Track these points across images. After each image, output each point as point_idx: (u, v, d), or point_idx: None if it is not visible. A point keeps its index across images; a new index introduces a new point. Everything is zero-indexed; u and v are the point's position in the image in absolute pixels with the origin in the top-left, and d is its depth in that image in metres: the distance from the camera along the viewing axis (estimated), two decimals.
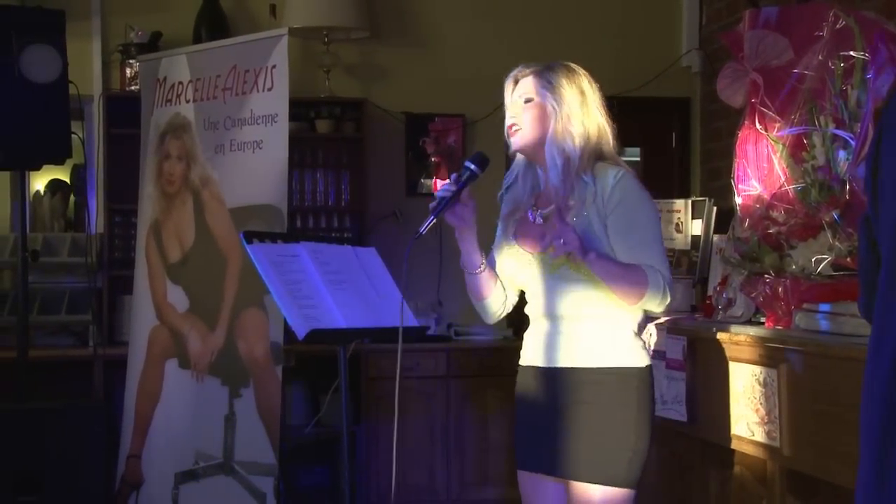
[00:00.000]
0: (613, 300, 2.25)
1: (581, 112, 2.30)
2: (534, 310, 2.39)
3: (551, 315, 2.34)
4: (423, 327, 2.79)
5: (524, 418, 2.38)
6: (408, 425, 4.52)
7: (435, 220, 2.26)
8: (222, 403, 3.85)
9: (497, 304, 2.45)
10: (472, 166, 2.29)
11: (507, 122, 2.35)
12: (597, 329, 2.28)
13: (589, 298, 2.27)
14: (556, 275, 2.30)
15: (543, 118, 2.30)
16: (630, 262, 2.22)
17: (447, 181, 2.30)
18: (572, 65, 2.37)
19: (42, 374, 4.14)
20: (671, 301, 2.25)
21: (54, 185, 4.81)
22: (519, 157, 2.41)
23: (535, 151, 2.33)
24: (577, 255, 2.17)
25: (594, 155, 2.30)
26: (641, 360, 2.30)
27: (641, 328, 2.36)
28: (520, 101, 2.34)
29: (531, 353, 2.39)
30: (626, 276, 2.20)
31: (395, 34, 4.99)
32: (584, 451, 2.25)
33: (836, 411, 2.25)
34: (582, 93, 2.32)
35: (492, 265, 2.42)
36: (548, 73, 2.32)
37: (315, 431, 4.44)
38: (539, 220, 2.34)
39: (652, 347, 2.74)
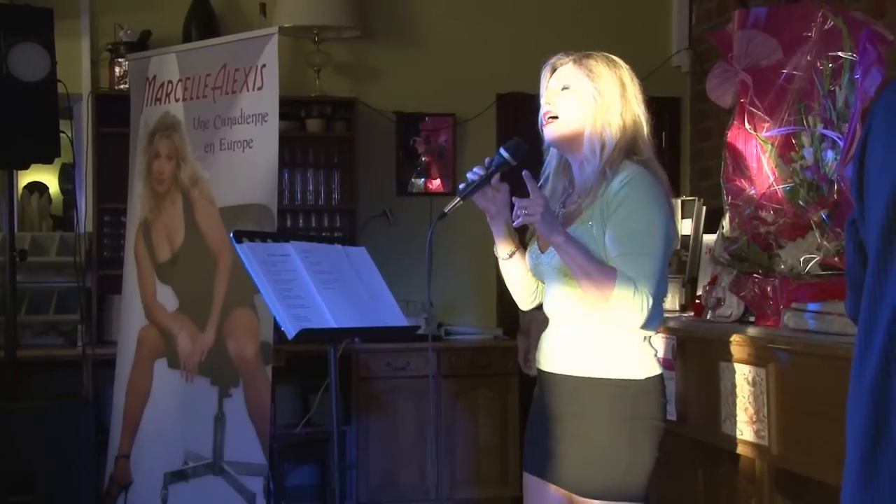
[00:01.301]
0: (585, 302, 2.14)
1: (620, 103, 2.20)
2: (544, 308, 2.33)
3: (553, 316, 2.28)
4: (414, 326, 2.79)
5: (530, 422, 2.34)
6: (398, 424, 4.52)
7: (461, 202, 2.20)
8: (212, 403, 3.84)
9: (527, 293, 2.38)
10: (506, 155, 2.21)
11: (542, 109, 2.24)
12: (598, 334, 2.17)
13: (577, 300, 2.18)
14: (553, 274, 2.23)
15: (582, 107, 2.20)
16: (617, 265, 2.09)
17: (478, 167, 2.22)
18: (613, 56, 2.27)
19: (30, 374, 4.13)
20: (650, 319, 2.10)
21: (32, 186, 4.79)
22: (552, 152, 2.31)
23: (571, 142, 2.22)
24: (540, 229, 2.09)
25: (627, 149, 2.19)
26: (643, 370, 2.17)
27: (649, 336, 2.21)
28: (557, 88, 2.23)
29: (539, 355, 2.33)
30: (593, 272, 2.07)
31: (386, 33, 4.99)
32: (579, 463, 2.18)
33: (824, 410, 2.26)
34: (622, 84, 2.21)
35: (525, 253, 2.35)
36: (588, 61, 2.23)
37: (305, 431, 4.44)
38: (560, 219, 2.22)
39: (661, 354, 2.65)
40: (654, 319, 2.17)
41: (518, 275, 2.35)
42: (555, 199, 2.29)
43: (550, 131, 2.23)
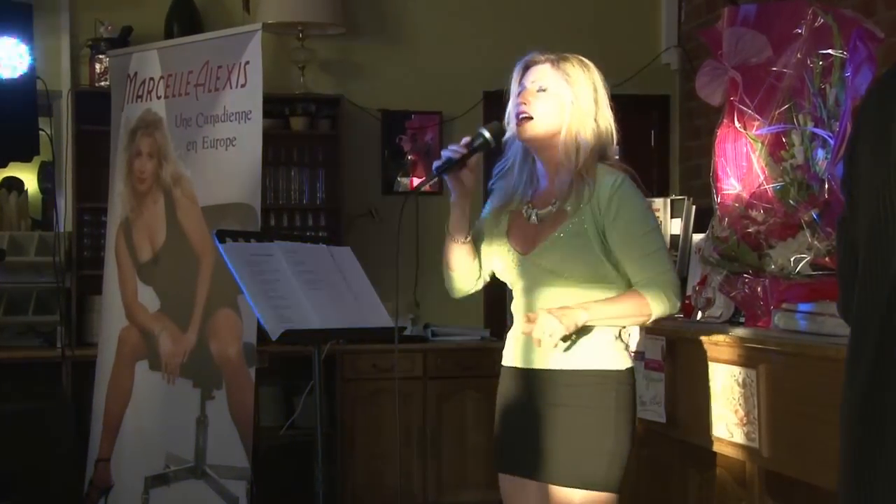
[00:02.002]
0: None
1: (594, 108, 2.27)
2: (517, 308, 2.36)
3: (524, 312, 2.31)
4: (400, 328, 2.78)
5: (504, 421, 2.36)
6: (384, 427, 4.51)
7: (435, 178, 2.25)
8: (194, 405, 3.82)
9: (468, 279, 2.40)
10: (487, 134, 2.25)
11: (516, 108, 2.28)
12: (580, 329, 2.23)
13: (569, 298, 2.23)
14: (540, 274, 2.27)
15: (559, 111, 2.25)
16: (637, 271, 2.22)
17: (455, 144, 2.25)
18: (585, 59, 2.32)
19: (9, 375, 4.09)
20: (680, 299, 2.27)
21: (10, 184, 4.74)
22: (517, 145, 2.34)
23: (545, 144, 2.28)
24: (570, 330, 2.16)
25: (598, 154, 2.27)
26: (621, 362, 2.27)
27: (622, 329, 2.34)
28: (533, 88, 2.28)
29: (511, 354, 2.37)
30: (627, 312, 2.23)
31: (371, 30, 4.98)
32: (561, 455, 2.23)
33: (814, 412, 2.26)
34: (595, 89, 2.28)
35: (475, 239, 2.38)
36: (565, 64, 2.28)
37: (289, 434, 4.42)
38: (535, 221, 2.30)
39: (633, 348, 2.74)
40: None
41: (465, 261, 2.38)
42: (517, 190, 2.35)
43: (525, 131, 2.28)
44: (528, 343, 2.29)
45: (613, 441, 2.22)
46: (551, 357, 2.25)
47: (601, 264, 2.23)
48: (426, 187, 2.26)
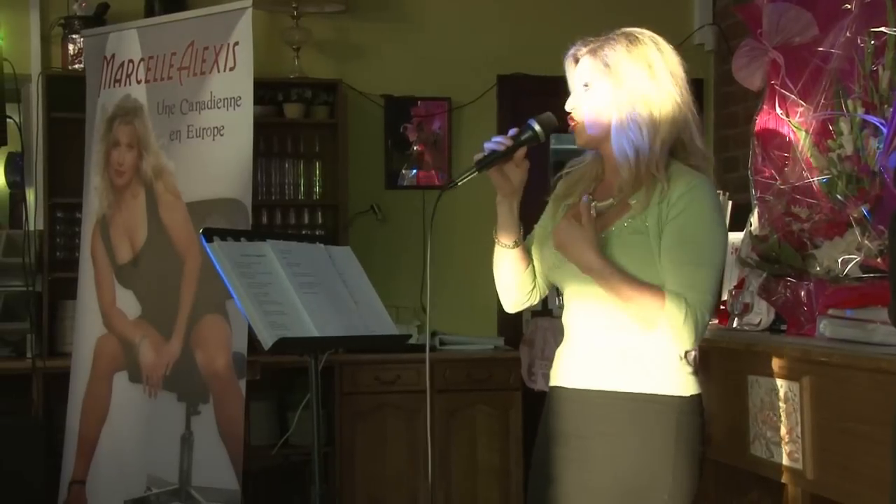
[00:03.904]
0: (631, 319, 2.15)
1: (649, 90, 2.15)
2: (564, 318, 2.30)
3: (579, 325, 2.25)
4: (405, 336, 2.79)
5: (539, 448, 2.29)
6: (388, 445, 4.52)
7: (476, 174, 2.18)
8: (178, 421, 3.84)
9: (521, 291, 2.34)
10: (537, 127, 2.19)
11: (567, 109, 2.24)
12: (636, 345, 2.16)
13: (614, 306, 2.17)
14: (588, 277, 2.18)
15: (604, 107, 2.18)
16: (673, 279, 2.10)
17: (500, 136, 2.19)
18: (636, 31, 2.20)
19: None
20: (699, 338, 2.12)
21: None
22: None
23: (602, 142, 2.22)
24: (573, 256, 2.12)
25: (669, 143, 2.17)
26: (686, 388, 2.17)
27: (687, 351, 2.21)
28: (579, 87, 2.22)
29: (555, 370, 2.30)
30: (635, 304, 2.11)
31: (373, 8, 4.98)
32: (605, 493, 2.15)
33: (864, 430, 2.26)
34: (649, 65, 2.16)
35: (528, 248, 2.33)
36: (604, 50, 2.18)
37: (283, 453, 4.43)
38: (592, 208, 2.20)
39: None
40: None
41: (516, 269, 2.32)
42: (582, 178, 2.29)
43: (577, 138, 2.24)
44: (578, 358, 2.23)
45: (671, 479, 2.12)
46: (602, 375, 2.18)
47: (656, 269, 2.14)
48: (464, 180, 2.21)
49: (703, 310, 2.10)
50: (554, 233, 2.20)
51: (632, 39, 2.18)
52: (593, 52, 2.20)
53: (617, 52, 2.17)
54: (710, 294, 2.12)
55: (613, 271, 2.12)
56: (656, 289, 2.11)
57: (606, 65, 2.17)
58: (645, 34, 2.20)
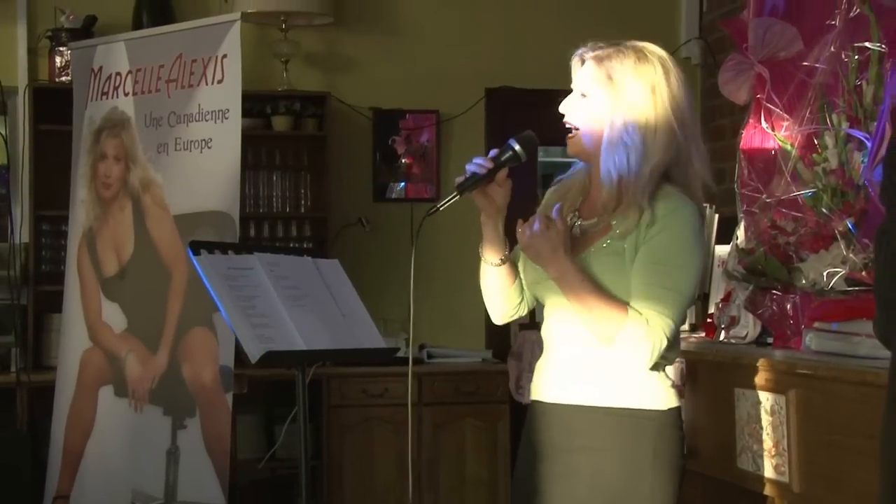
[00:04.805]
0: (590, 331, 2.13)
1: (647, 113, 2.10)
2: (543, 332, 2.30)
3: (557, 338, 2.25)
4: (393, 349, 2.79)
5: (521, 462, 2.29)
6: (375, 458, 4.51)
7: (458, 197, 2.17)
8: (164, 436, 3.82)
9: (508, 306, 2.33)
10: (517, 146, 2.17)
11: (561, 110, 2.21)
12: (612, 359, 2.13)
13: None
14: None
15: (598, 119, 2.14)
16: (639, 298, 2.08)
17: (481, 158, 2.17)
18: (647, 49, 2.14)
19: None
20: (657, 360, 2.11)
21: None
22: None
23: (591, 159, 2.20)
24: (538, 261, 2.12)
25: (660, 171, 2.12)
26: (664, 401, 2.16)
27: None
28: (577, 93, 2.18)
29: (535, 385, 2.30)
30: (597, 314, 2.09)
31: (361, 21, 5.00)
32: None
33: (851, 442, 2.27)
34: (652, 88, 2.10)
35: (514, 261, 2.32)
36: (611, 60, 2.13)
37: (270, 467, 4.42)
38: (577, 232, 2.19)
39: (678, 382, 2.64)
40: (671, 354, 2.18)
41: (503, 284, 2.32)
42: (569, 192, 2.27)
43: (570, 147, 2.22)
44: (556, 372, 2.24)
45: (649, 493, 2.12)
46: (579, 389, 2.17)
47: (629, 292, 2.12)
48: (445, 205, 2.21)
49: (662, 334, 2.08)
50: (519, 236, 2.17)
51: (640, 56, 2.13)
52: (599, 59, 2.15)
53: (624, 67, 2.12)
54: (674, 319, 2.10)
55: (583, 279, 2.11)
56: (621, 304, 2.10)
57: (609, 77, 2.13)
58: (655, 53, 2.15)
